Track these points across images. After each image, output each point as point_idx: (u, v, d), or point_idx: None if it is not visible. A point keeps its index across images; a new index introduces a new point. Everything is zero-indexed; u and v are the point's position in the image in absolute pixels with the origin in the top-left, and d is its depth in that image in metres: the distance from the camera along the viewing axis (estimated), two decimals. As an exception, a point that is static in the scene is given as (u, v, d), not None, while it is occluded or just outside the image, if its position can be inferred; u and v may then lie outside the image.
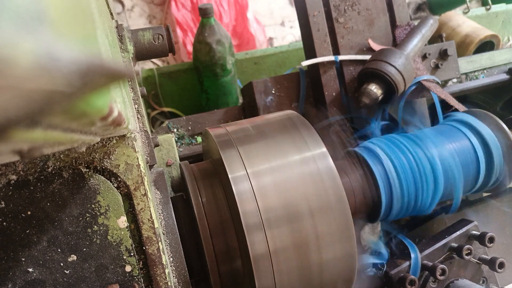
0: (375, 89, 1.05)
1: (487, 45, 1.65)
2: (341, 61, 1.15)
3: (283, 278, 0.65)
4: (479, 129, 0.96)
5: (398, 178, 0.88)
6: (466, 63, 1.34)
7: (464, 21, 1.70)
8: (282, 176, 0.67)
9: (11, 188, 0.51)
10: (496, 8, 1.96)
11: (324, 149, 0.70)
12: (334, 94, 1.16)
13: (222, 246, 0.69)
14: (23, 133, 0.21)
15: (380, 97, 1.06)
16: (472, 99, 1.47)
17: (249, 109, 1.22)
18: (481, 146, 0.95)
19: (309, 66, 1.17)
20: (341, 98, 1.16)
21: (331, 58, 1.15)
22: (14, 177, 0.51)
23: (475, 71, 1.39)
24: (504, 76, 1.41)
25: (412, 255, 0.91)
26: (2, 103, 0.16)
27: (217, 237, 0.69)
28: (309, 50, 1.19)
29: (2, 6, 0.15)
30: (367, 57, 1.14)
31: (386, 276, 0.90)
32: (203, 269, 0.72)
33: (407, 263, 0.90)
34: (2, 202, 0.51)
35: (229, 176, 0.65)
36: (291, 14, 2.66)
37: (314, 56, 1.16)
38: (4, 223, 0.50)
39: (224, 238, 0.70)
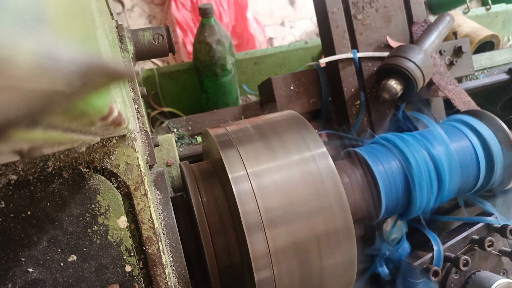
0: (394, 85, 1.07)
1: (487, 45, 1.65)
2: (359, 57, 1.16)
3: (283, 278, 0.65)
4: (479, 129, 0.96)
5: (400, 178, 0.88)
6: (466, 63, 1.34)
7: (464, 21, 1.70)
8: (282, 176, 0.67)
9: (11, 188, 0.51)
10: (496, 8, 1.96)
11: (324, 149, 0.70)
12: (352, 90, 1.17)
13: (222, 246, 0.69)
14: (23, 133, 0.21)
15: (399, 93, 1.08)
16: (472, 99, 1.47)
17: (267, 105, 1.23)
18: (481, 146, 0.94)
19: (327, 62, 1.18)
20: (359, 94, 1.17)
21: (350, 55, 1.16)
22: (14, 177, 0.51)
23: (475, 71, 1.39)
24: (504, 76, 1.41)
25: (435, 247, 0.92)
26: (2, 103, 0.16)
27: (217, 237, 0.69)
28: (328, 46, 1.21)
29: (2, 6, 0.15)
30: (386, 53, 1.15)
31: (408, 268, 0.90)
32: (203, 269, 0.72)
33: (430, 254, 0.91)
34: (2, 202, 0.51)
35: (229, 176, 0.65)
36: (291, 14, 2.66)
37: (333, 53, 1.17)
38: (4, 223, 0.50)
39: (224, 238, 0.70)
